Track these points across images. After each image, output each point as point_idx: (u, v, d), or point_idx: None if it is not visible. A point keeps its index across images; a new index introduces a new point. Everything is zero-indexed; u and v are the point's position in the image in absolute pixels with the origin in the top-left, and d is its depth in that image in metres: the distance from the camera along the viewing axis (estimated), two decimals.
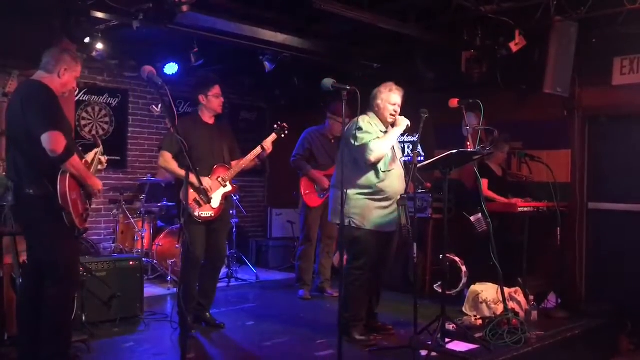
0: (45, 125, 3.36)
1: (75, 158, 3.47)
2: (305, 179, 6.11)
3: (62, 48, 3.84)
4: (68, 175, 3.45)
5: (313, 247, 6.19)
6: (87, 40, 5.12)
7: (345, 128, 4.37)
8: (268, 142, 4.85)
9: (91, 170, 3.82)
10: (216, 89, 4.73)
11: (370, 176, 4.41)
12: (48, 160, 3.39)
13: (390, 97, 4.50)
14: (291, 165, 6.22)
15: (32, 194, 3.44)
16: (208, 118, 4.78)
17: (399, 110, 4.53)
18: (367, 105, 4.50)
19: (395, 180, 4.49)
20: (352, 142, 4.30)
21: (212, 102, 4.73)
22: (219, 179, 4.67)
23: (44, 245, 3.56)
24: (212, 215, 4.63)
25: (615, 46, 5.68)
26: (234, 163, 4.81)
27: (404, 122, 4.49)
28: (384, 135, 4.46)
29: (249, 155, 4.79)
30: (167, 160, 4.57)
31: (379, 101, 4.51)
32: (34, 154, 3.40)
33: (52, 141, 3.34)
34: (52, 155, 3.35)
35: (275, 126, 5.01)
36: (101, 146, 4.07)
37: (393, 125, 4.52)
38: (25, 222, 3.63)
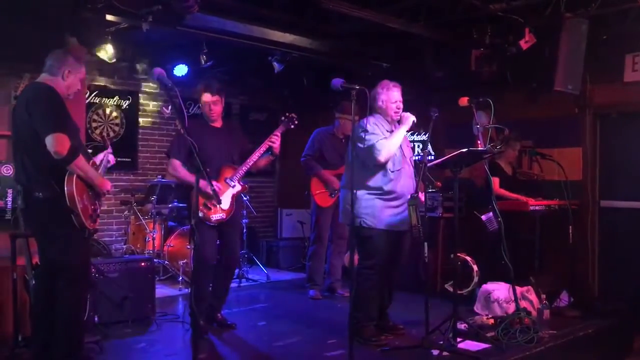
0: (49, 127, 3.37)
1: (80, 159, 3.47)
2: (315, 179, 6.11)
3: (66, 50, 3.84)
4: (75, 176, 3.45)
5: (324, 247, 6.19)
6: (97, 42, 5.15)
7: (352, 131, 4.35)
8: (276, 135, 4.77)
9: (99, 171, 3.83)
10: (204, 97, 4.62)
11: (380, 177, 4.40)
12: (55, 163, 3.39)
13: (390, 95, 4.49)
14: (302, 164, 6.23)
15: (40, 197, 3.44)
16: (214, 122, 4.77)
17: (401, 106, 4.52)
18: (368, 107, 4.46)
19: (404, 180, 4.48)
20: (359, 144, 4.29)
21: (203, 109, 4.70)
22: (227, 180, 4.67)
23: (55, 248, 3.56)
24: (224, 217, 4.63)
25: (627, 43, 5.65)
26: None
27: (409, 119, 4.47)
28: (390, 134, 4.45)
29: (256, 151, 4.74)
30: (176, 168, 4.54)
31: (380, 103, 4.50)
32: (41, 156, 3.41)
33: (56, 143, 3.34)
34: (57, 157, 3.36)
35: (283, 118, 4.92)
36: (110, 147, 4.09)
37: (399, 122, 4.52)
38: (36, 225, 3.64)
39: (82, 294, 3.73)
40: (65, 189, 3.41)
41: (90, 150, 4.07)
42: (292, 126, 4.92)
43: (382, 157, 4.31)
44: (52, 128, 3.36)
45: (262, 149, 4.75)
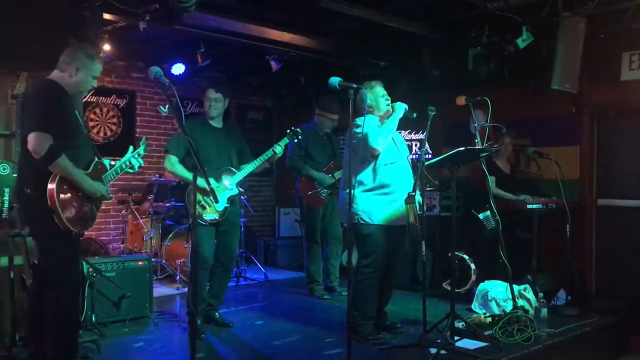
0: (31, 126, 3.31)
1: (62, 160, 3.33)
2: (304, 179, 6.06)
3: (79, 46, 3.71)
4: (58, 176, 3.36)
5: (319, 246, 6.18)
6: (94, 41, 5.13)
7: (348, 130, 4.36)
8: (278, 147, 4.83)
9: (104, 174, 3.68)
10: (208, 92, 4.70)
11: (372, 171, 4.41)
12: None
13: (376, 91, 4.54)
14: (288, 166, 6.13)
15: (29, 193, 3.39)
16: (214, 121, 4.77)
17: (389, 97, 4.57)
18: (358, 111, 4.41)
19: (399, 174, 4.49)
20: (354, 141, 4.30)
21: (205, 105, 4.73)
22: (225, 182, 4.68)
23: (40, 246, 3.55)
24: (217, 218, 4.64)
25: (624, 41, 5.65)
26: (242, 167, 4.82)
27: (401, 107, 4.50)
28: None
29: (257, 159, 4.80)
30: (173, 164, 4.57)
31: (369, 101, 4.49)
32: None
33: (34, 142, 3.26)
34: (35, 156, 3.27)
35: (288, 131, 5.03)
36: (135, 149, 3.94)
37: (389, 114, 4.55)
38: (26, 221, 3.62)
39: (67, 296, 3.52)
40: (48, 187, 3.33)
41: (95, 149, 3.91)
42: (296, 140, 5.07)
43: (377, 145, 4.31)
44: (35, 126, 3.30)
45: (265, 156, 4.79)
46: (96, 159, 3.70)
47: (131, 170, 3.94)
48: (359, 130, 4.28)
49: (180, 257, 6.40)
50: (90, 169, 3.61)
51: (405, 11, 5.58)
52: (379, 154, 4.38)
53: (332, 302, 5.91)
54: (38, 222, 3.48)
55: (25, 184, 3.42)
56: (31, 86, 3.66)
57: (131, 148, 3.97)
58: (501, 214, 4.84)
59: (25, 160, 3.42)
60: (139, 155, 3.95)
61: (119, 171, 3.82)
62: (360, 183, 4.40)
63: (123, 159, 3.88)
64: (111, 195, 3.76)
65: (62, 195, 3.37)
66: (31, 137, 3.28)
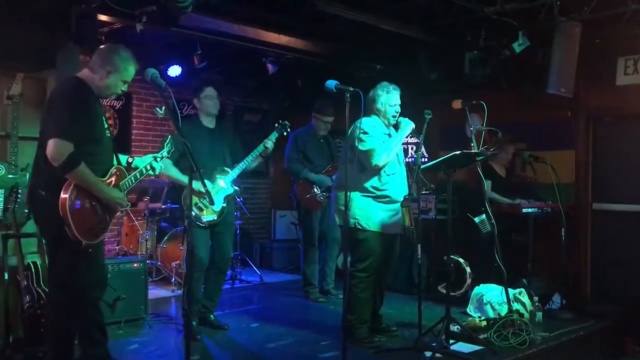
0: (52, 131, 3.17)
1: (81, 169, 3.19)
2: (302, 182, 6.05)
3: (112, 47, 3.52)
4: (73, 184, 3.21)
5: (316, 250, 6.18)
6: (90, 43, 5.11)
7: (349, 131, 4.33)
8: (269, 141, 4.82)
9: (124, 180, 3.53)
10: (208, 90, 4.72)
11: (374, 180, 4.41)
12: None
13: (390, 98, 4.50)
14: (287, 169, 6.15)
15: (43, 195, 3.25)
16: (207, 122, 4.77)
17: (399, 109, 4.53)
18: (365, 108, 4.41)
19: (398, 183, 4.49)
20: (357, 146, 4.27)
21: (204, 104, 4.72)
22: (220, 182, 4.68)
23: (48, 250, 3.47)
24: (216, 219, 4.63)
25: (619, 46, 5.67)
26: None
27: (409, 126, 4.48)
28: (388, 137, 4.46)
29: (250, 155, 4.78)
30: (167, 167, 4.52)
31: (379, 105, 4.49)
32: None
33: (54, 150, 3.14)
34: (53, 163, 3.15)
35: (277, 125, 4.99)
36: (161, 153, 3.81)
37: (394, 124, 4.53)
38: (38, 223, 3.50)
39: (65, 304, 3.36)
40: (61, 196, 3.18)
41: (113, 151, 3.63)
42: (285, 134, 5.01)
43: (380, 163, 4.31)
44: (55, 132, 3.16)
45: (256, 152, 4.77)
46: (115, 164, 3.56)
47: (152, 173, 3.78)
48: (365, 137, 4.28)
49: (175, 260, 6.39)
50: (108, 176, 3.46)
51: (401, 15, 5.58)
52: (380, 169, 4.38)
53: (328, 305, 5.91)
54: (48, 226, 3.35)
55: (40, 186, 3.28)
56: (61, 82, 3.46)
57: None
58: (497, 218, 4.85)
59: (43, 162, 3.26)
60: (161, 158, 3.80)
61: (139, 176, 3.65)
62: (361, 188, 4.39)
63: (144, 162, 3.71)
64: (128, 203, 3.58)
65: (74, 206, 3.21)
66: (51, 144, 3.14)
